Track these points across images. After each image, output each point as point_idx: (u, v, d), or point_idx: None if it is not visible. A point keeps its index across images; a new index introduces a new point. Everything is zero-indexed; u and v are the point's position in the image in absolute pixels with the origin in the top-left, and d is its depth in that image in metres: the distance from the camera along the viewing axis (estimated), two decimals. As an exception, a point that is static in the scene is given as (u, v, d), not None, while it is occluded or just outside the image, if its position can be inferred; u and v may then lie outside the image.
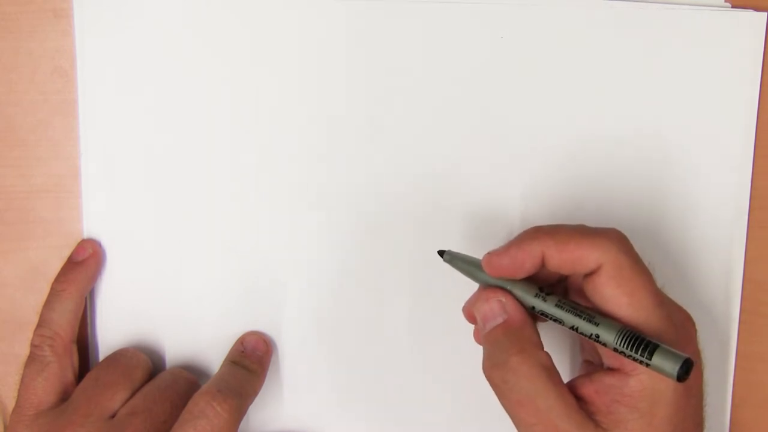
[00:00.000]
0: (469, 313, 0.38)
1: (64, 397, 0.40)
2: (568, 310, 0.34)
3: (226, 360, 0.41)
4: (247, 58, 0.41)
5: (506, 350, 0.34)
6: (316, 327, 0.43)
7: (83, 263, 0.41)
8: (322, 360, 0.43)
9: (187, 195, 0.42)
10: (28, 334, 0.40)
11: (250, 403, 0.40)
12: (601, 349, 0.35)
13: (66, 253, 0.42)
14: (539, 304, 0.35)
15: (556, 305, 0.35)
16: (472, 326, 0.41)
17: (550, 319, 0.35)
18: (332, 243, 0.42)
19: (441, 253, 0.39)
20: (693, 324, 0.37)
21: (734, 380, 0.43)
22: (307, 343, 0.43)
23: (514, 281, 0.36)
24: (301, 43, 0.41)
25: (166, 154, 0.42)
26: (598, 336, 0.33)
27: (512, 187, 0.42)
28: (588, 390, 0.34)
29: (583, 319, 0.34)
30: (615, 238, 0.34)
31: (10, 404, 0.40)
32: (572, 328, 0.34)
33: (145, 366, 0.41)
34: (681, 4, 0.42)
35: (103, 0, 0.41)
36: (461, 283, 0.42)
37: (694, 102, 0.42)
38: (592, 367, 0.38)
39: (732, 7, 0.42)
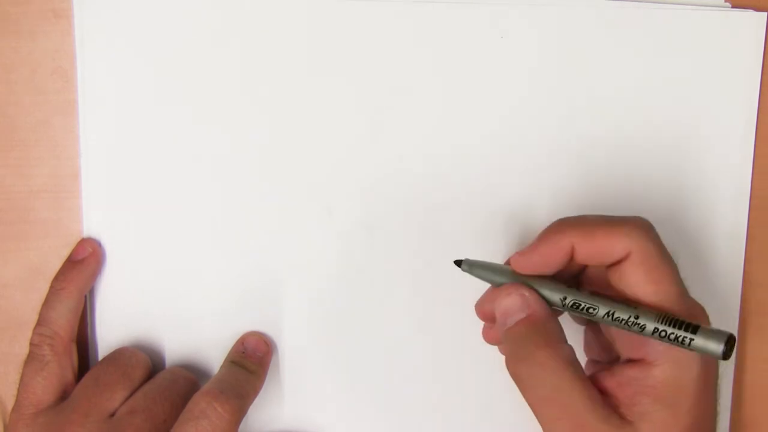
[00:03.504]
0: (483, 310, 0.38)
1: (64, 396, 0.40)
2: (603, 297, 0.34)
3: (226, 360, 0.41)
4: (247, 58, 0.41)
5: (531, 344, 0.34)
6: (316, 326, 0.43)
7: (83, 262, 0.41)
8: (323, 360, 0.43)
9: (187, 195, 0.42)
10: (28, 334, 0.40)
11: (251, 403, 0.40)
12: (621, 341, 0.35)
13: (66, 253, 0.42)
14: (573, 294, 0.35)
15: (591, 293, 0.35)
16: (474, 326, 0.41)
17: (579, 311, 0.35)
18: (333, 243, 0.42)
19: (458, 263, 0.39)
20: (707, 319, 0.36)
21: (734, 380, 0.43)
22: (307, 342, 0.43)
23: (540, 278, 0.36)
24: (302, 42, 0.41)
25: (166, 154, 0.42)
26: (637, 317, 0.33)
27: (512, 186, 0.42)
28: (610, 383, 0.34)
29: (620, 304, 0.34)
30: (642, 226, 0.34)
31: (10, 404, 0.40)
32: (608, 314, 0.34)
33: (144, 365, 0.41)
34: (681, 4, 0.42)
35: (103, 0, 0.41)
36: (462, 282, 0.42)
37: (694, 102, 0.42)
38: (599, 366, 0.38)
39: (732, 7, 0.42)
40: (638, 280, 0.34)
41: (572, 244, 0.34)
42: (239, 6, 0.41)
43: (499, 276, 0.37)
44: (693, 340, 0.32)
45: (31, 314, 0.41)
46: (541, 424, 0.34)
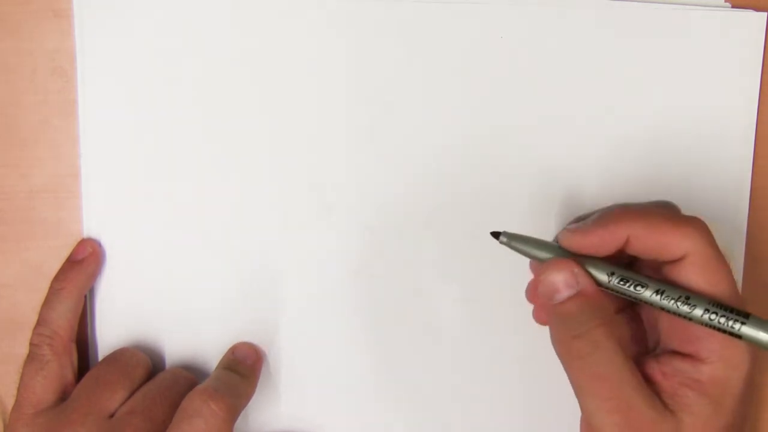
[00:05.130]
0: (533, 292, 0.37)
1: (64, 396, 0.40)
2: (650, 278, 0.34)
3: (217, 366, 0.42)
4: (247, 58, 0.41)
5: (588, 322, 0.34)
6: (316, 326, 0.43)
7: (82, 262, 0.41)
8: (322, 360, 0.43)
9: (187, 195, 0.42)
10: (28, 334, 0.40)
11: (244, 405, 0.40)
12: (672, 332, 0.35)
13: (66, 253, 0.42)
14: (621, 271, 0.34)
15: (638, 281, 0.34)
16: (472, 327, 0.41)
17: (626, 289, 0.34)
18: (332, 243, 0.42)
19: (496, 234, 0.37)
20: None
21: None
22: (306, 342, 0.43)
23: (586, 258, 0.35)
24: (301, 42, 0.41)
25: (166, 154, 0.42)
26: (688, 298, 0.33)
27: (512, 186, 0.42)
28: (654, 371, 0.34)
29: (670, 285, 0.34)
30: (702, 228, 0.34)
31: (10, 404, 0.40)
32: (658, 291, 0.34)
33: (144, 365, 0.41)
34: (681, 4, 0.42)
35: (103, 0, 0.41)
36: (463, 281, 0.42)
37: (694, 102, 0.42)
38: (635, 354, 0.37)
39: (732, 7, 0.42)
40: (695, 282, 0.34)
41: (629, 234, 0.34)
42: (239, 6, 0.41)
43: (542, 250, 0.36)
44: (744, 324, 0.32)
45: (31, 314, 0.41)
46: (585, 404, 0.34)
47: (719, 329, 0.33)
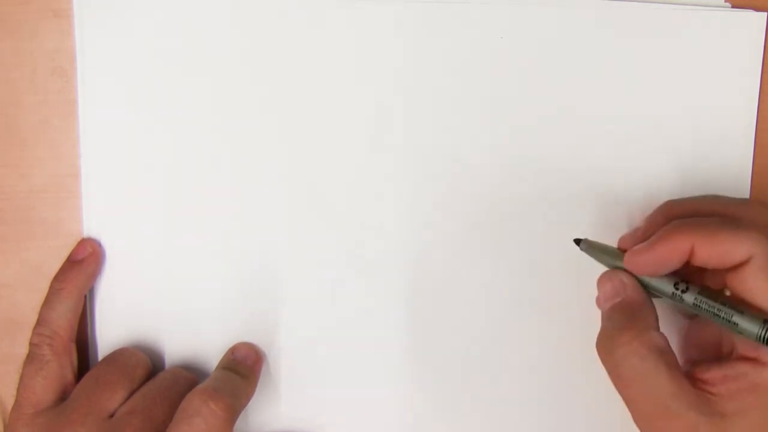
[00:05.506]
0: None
1: (63, 396, 0.40)
2: (710, 297, 0.35)
3: (217, 367, 0.42)
4: (246, 58, 0.41)
5: (619, 327, 0.35)
6: (316, 326, 0.43)
7: (82, 262, 0.41)
8: (322, 360, 0.43)
9: (187, 195, 0.42)
10: (28, 334, 0.40)
11: (244, 406, 0.40)
12: (737, 336, 0.35)
13: (66, 253, 0.42)
14: (676, 296, 0.36)
15: (699, 293, 0.35)
16: (474, 327, 0.41)
17: (688, 307, 0.35)
18: (332, 243, 0.42)
19: (577, 241, 0.40)
20: None
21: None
22: (306, 342, 0.43)
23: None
24: (301, 43, 0.41)
25: (166, 154, 0.42)
26: (739, 321, 0.33)
27: (512, 186, 0.42)
28: (714, 374, 0.34)
29: (728, 306, 0.34)
30: (764, 230, 0.34)
31: (10, 404, 0.40)
32: (714, 315, 0.34)
33: (144, 365, 0.41)
34: (681, 4, 0.42)
35: (103, 0, 0.41)
36: (463, 283, 0.42)
37: (694, 102, 0.42)
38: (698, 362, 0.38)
39: (732, 7, 0.42)
40: (761, 285, 0.33)
41: (692, 245, 0.34)
42: (239, 6, 0.41)
43: (614, 259, 0.38)
44: None
45: (31, 314, 0.41)
46: (627, 406, 0.35)
47: None
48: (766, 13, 0.42)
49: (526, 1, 0.41)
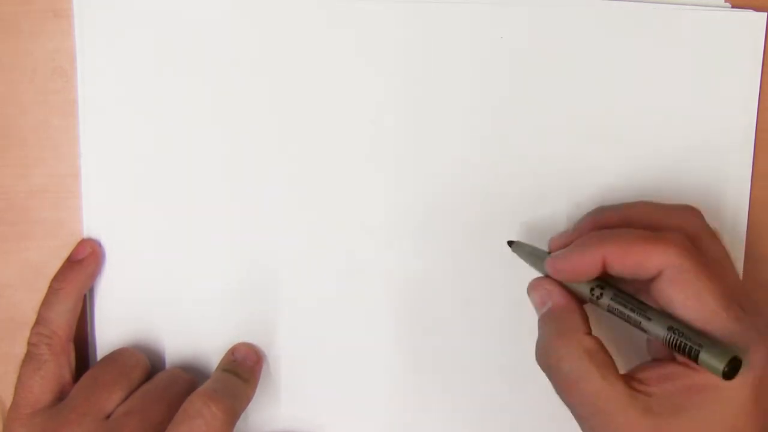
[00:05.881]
0: None
1: (61, 396, 0.40)
2: (621, 304, 0.35)
3: (217, 368, 0.42)
4: (246, 58, 0.41)
5: (549, 334, 0.36)
6: (316, 326, 0.43)
7: (82, 262, 0.41)
8: (322, 360, 0.43)
9: (186, 195, 0.42)
10: (28, 334, 0.40)
11: (244, 408, 0.40)
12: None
13: (66, 253, 0.42)
14: (593, 300, 0.36)
15: (611, 299, 0.36)
16: (474, 327, 0.41)
17: (605, 311, 0.36)
18: (332, 243, 0.42)
19: (510, 243, 0.40)
20: (766, 344, 0.35)
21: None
22: (306, 342, 0.43)
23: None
24: (300, 43, 0.41)
25: (166, 154, 0.42)
26: (648, 329, 0.34)
27: (513, 186, 0.42)
28: (651, 374, 0.35)
29: (636, 314, 0.35)
30: (678, 242, 0.34)
31: (9, 403, 0.40)
32: (626, 320, 0.35)
33: (143, 366, 0.41)
34: (681, 4, 0.42)
35: (103, 0, 0.41)
36: (462, 284, 0.42)
37: (694, 102, 0.42)
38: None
39: (732, 7, 0.42)
40: (676, 297, 0.34)
41: (604, 257, 0.35)
42: (239, 6, 0.41)
43: (542, 262, 0.38)
44: (697, 360, 0.33)
45: (31, 314, 0.41)
46: (570, 410, 0.35)
47: (680, 352, 0.33)
48: (766, 13, 0.42)
49: (526, 1, 0.41)
